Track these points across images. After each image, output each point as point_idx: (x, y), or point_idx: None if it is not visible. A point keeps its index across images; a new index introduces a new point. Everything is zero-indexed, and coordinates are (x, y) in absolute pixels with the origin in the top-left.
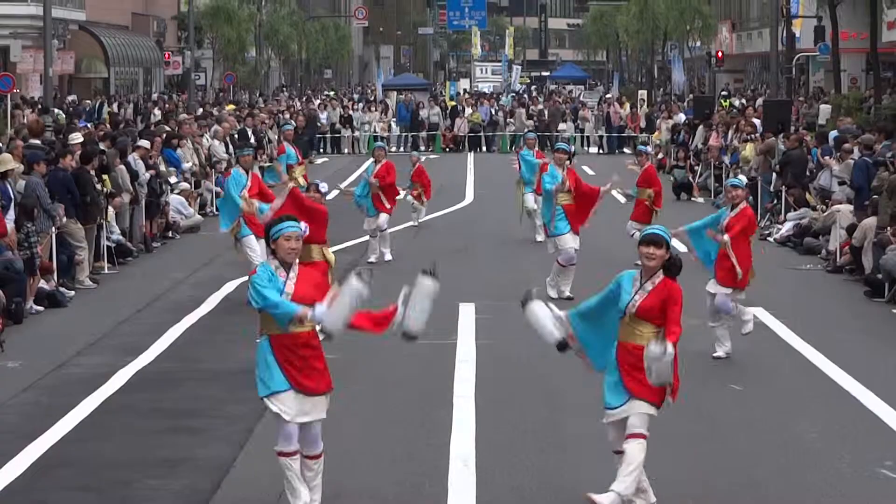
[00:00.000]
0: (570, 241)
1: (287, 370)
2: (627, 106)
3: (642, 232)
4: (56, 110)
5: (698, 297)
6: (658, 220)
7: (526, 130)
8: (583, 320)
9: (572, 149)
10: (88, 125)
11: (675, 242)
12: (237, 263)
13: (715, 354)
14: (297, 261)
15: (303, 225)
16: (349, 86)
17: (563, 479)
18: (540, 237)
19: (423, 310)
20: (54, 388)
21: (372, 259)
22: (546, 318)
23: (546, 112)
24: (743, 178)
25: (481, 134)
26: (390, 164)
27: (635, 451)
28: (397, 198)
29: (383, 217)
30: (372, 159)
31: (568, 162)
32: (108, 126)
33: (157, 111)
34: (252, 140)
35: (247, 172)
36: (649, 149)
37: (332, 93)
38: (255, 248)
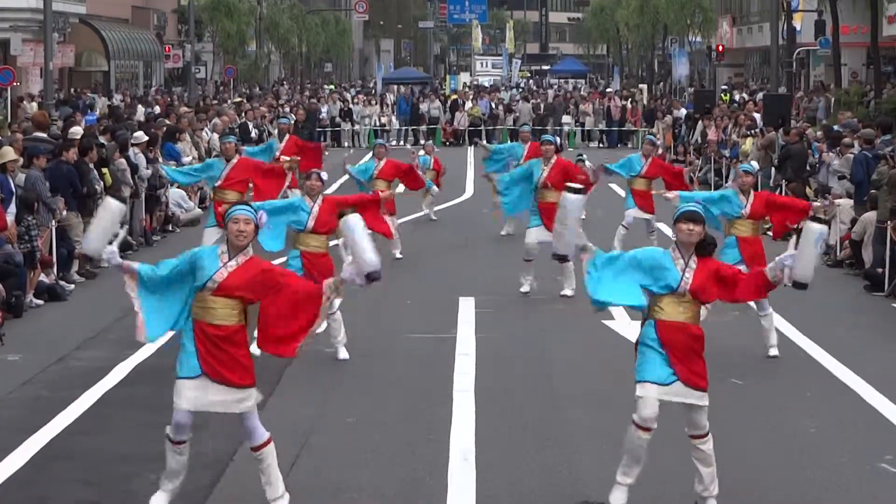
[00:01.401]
0: (530, 236)
1: (204, 358)
2: (628, 99)
3: (678, 209)
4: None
5: None
6: (657, 213)
7: (521, 125)
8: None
9: (558, 140)
10: (100, 118)
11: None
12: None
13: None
14: (251, 251)
15: (259, 213)
16: (349, 79)
17: (563, 473)
18: (505, 230)
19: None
20: (54, 382)
21: (398, 255)
22: (578, 221)
23: (543, 106)
24: (755, 164)
25: (481, 128)
26: (392, 162)
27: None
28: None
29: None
30: (373, 156)
31: (556, 155)
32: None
33: (157, 108)
34: (253, 134)
35: (227, 161)
36: (657, 140)
37: (331, 87)
38: (210, 239)
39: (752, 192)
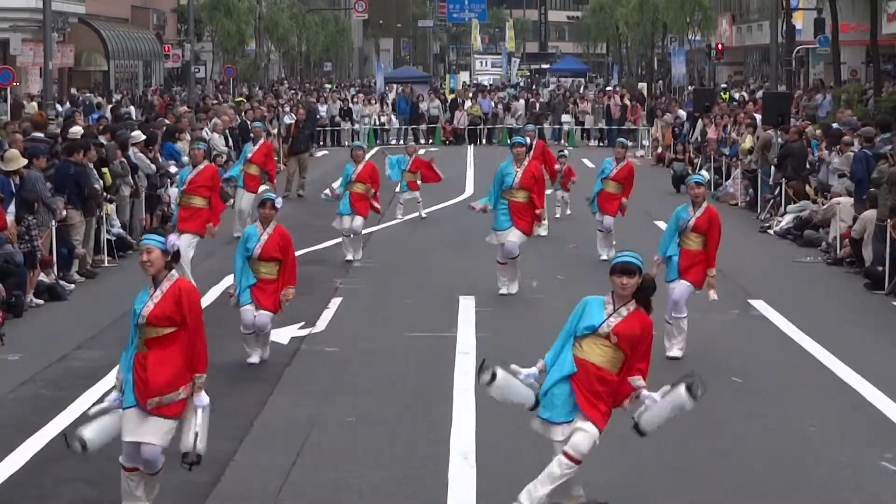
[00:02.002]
0: (507, 237)
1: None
2: (627, 97)
3: (612, 259)
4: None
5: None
6: (657, 212)
7: (525, 124)
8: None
9: (528, 140)
10: (101, 118)
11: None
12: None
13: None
14: (175, 274)
15: (169, 238)
16: (349, 78)
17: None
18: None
19: None
20: (54, 382)
21: (349, 257)
22: (515, 387)
23: (538, 104)
24: (705, 174)
25: (481, 126)
26: (371, 166)
27: (562, 467)
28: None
29: (358, 220)
30: (351, 160)
31: (527, 157)
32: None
33: (155, 102)
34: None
35: (194, 167)
36: (628, 142)
37: (330, 86)
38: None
39: (704, 204)
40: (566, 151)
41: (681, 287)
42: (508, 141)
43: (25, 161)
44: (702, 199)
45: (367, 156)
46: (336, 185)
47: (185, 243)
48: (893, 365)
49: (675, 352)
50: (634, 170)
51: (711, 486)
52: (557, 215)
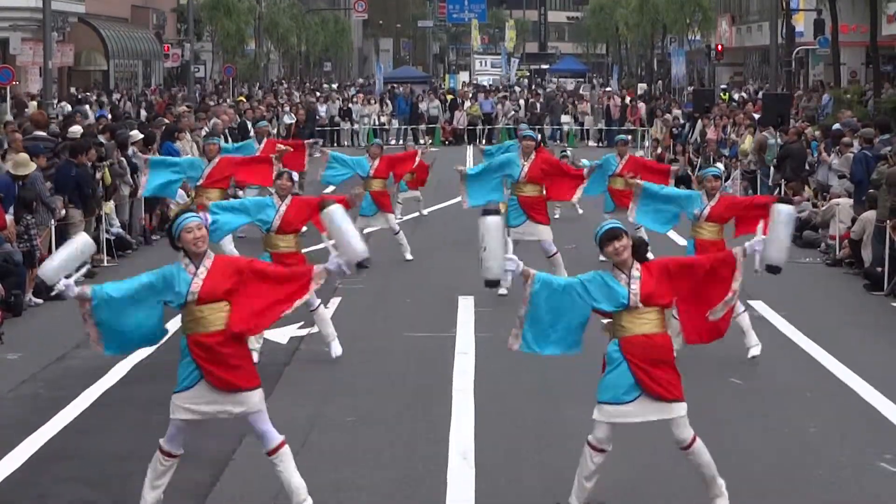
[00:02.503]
0: (537, 237)
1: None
2: (627, 98)
3: (598, 229)
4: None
5: None
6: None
7: (504, 126)
8: (547, 290)
9: (538, 136)
10: (106, 115)
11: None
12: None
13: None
14: (212, 253)
15: (204, 215)
16: (349, 78)
17: (562, 471)
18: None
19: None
20: (53, 381)
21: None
22: (500, 244)
23: (538, 105)
24: (721, 167)
25: (479, 127)
26: (387, 159)
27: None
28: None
29: (391, 217)
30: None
31: (535, 150)
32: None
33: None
34: (252, 133)
35: (209, 161)
36: (629, 137)
37: (329, 85)
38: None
39: (717, 195)
40: (568, 152)
41: None
42: (508, 141)
43: (34, 166)
44: (716, 192)
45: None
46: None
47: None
48: (893, 366)
49: (753, 351)
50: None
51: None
52: (557, 215)
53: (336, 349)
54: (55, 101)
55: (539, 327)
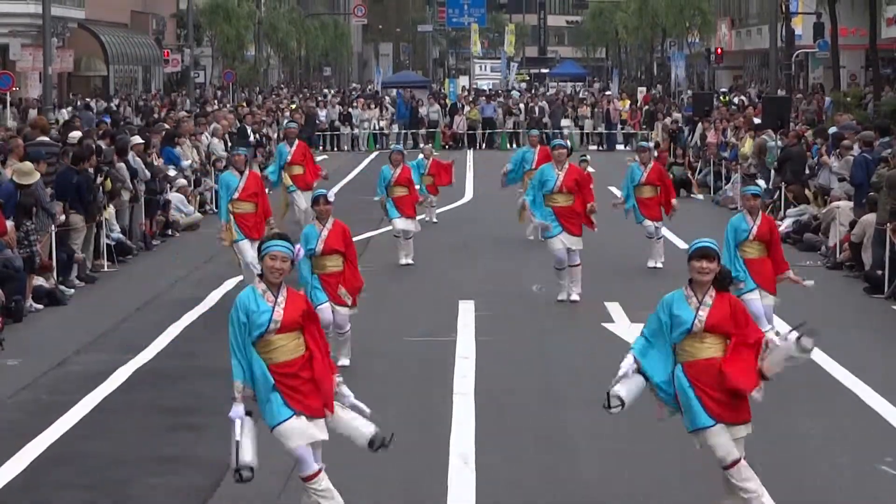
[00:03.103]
0: (556, 244)
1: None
2: (627, 102)
3: (692, 246)
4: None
5: None
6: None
7: (505, 131)
8: (644, 357)
9: (569, 144)
10: (107, 121)
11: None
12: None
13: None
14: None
15: (296, 247)
16: (349, 83)
17: (562, 475)
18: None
19: None
20: (54, 386)
21: (407, 261)
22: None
23: (537, 108)
24: (762, 184)
25: (478, 131)
26: (408, 169)
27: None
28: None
29: (408, 222)
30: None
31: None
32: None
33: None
34: (252, 139)
35: (241, 173)
36: (650, 144)
37: (330, 90)
38: (247, 252)
39: (760, 213)
40: (588, 157)
41: (756, 301)
42: (508, 146)
43: (38, 175)
44: (757, 209)
45: (369, 159)
46: (377, 197)
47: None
48: (893, 369)
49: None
50: (661, 167)
51: (711, 489)
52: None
53: (342, 361)
54: (55, 107)
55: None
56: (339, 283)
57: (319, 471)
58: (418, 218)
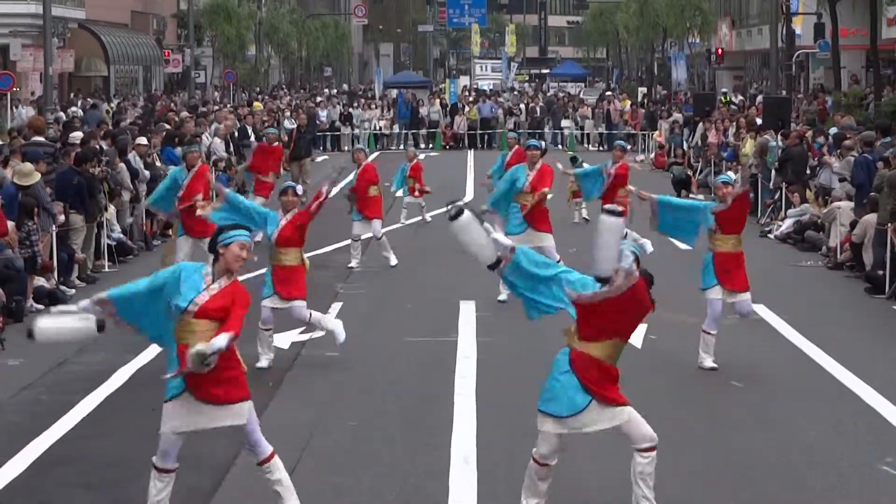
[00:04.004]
0: (540, 244)
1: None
2: (627, 102)
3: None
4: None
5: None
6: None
7: (506, 130)
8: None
9: (543, 144)
10: (101, 122)
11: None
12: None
13: (709, 365)
14: (235, 275)
15: (253, 234)
16: (349, 84)
17: (563, 475)
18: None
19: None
20: (55, 386)
21: (353, 264)
22: (480, 235)
23: (538, 109)
24: (731, 175)
25: (477, 131)
26: (370, 167)
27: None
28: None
29: (376, 223)
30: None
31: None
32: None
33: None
34: (252, 139)
35: (189, 170)
36: (628, 145)
37: (330, 90)
38: (183, 248)
39: (729, 200)
40: (581, 159)
41: (718, 303)
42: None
43: (39, 176)
44: (729, 199)
45: (369, 159)
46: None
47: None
48: (894, 369)
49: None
50: (628, 171)
51: (711, 490)
52: (577, 219)
53: (339, 337)
54: (60, 107)
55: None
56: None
57: (174, 470)
58: (409, 221)
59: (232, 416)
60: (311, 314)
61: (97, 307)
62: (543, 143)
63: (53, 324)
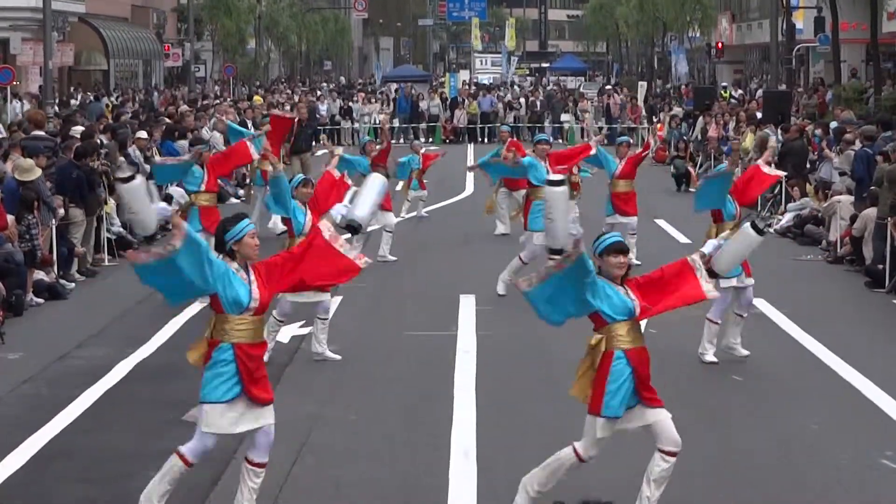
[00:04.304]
0: (536, 239)
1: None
2: (625, 90)
3: (603, 240)
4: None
5: None
6: (659, 210)
7: (500, 125)
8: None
9: (550, 139)
10: (101, 116)
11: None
12: None
13: (709, 359)
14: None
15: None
16: (349, 78)
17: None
18: (500, 230)
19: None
20: (55, 380)
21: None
22: (566, 213)
23: (538, 103)
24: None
25: (477, 125)
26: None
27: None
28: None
29: (390, 216)
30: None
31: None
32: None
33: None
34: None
35: (202, 167)
36: (632, 140)
37: (328, 85)
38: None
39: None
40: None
41: (726, 291)
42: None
43: (39, 171)
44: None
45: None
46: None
47: None
48: (893, 363)
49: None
50: (635, 167)
51: (712, 484)
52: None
53: (331, 356)
54: (55, 101)
55: (551, 293)
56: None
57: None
58: (411, 215)
59: (269, 415)
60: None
61: (175, 228)
62: (503, 139)
63: (142, 192)
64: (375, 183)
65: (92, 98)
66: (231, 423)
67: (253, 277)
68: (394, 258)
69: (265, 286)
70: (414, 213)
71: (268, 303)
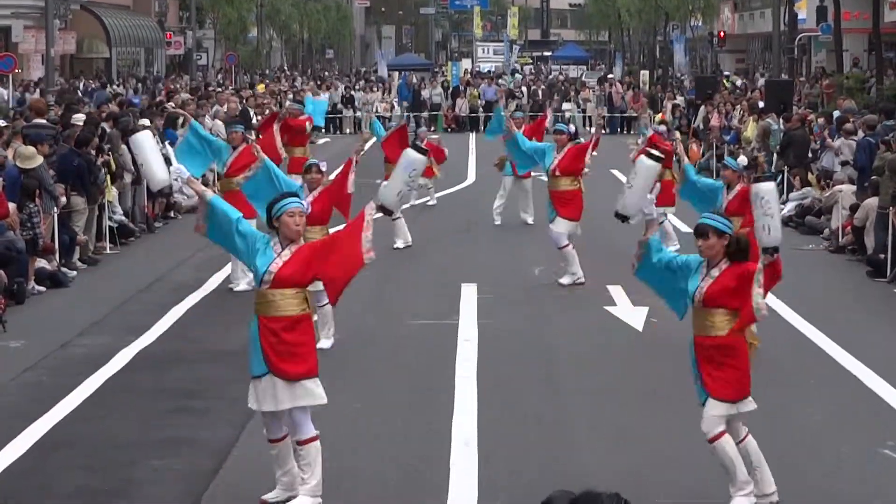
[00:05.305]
0: (555, 227)
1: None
2: (626, 79)
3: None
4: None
5: None
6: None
7: (513, 111)
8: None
9: (573, 129)
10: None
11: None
12: None
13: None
14: (301, 240)
15: (305, 202)
16: (351, 67)
17: (564, 458)
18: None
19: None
20: (56, 368)
21: (399, 244)
22: (648, 185)
23: (540, 91)
24: (743, 160)
25: (479, 114)
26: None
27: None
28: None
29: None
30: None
31: (569, 144)
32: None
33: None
34: (255, 121)
35: (234, 150)
36: (662, 127)
37: (331, 74)
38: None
39: (737, 187)
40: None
41: None
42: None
43: (41, 159)
44: (734, 182)
45: (371, 142)
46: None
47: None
48: (895, 352)
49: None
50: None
51: (712, 475)
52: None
53: (324, 343)
54: (56, 88)
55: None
56: None
57: (283, 438)
58: (419, 201)
59: (307, 395)
60: (327, 303)
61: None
62: (573, 126)
63: (148, 144)
64: (406, 161)
65: (98, 85)
66: (267, 401)
67: (287, 253)
68: (401, 246)
69: (296, 264)
70: (424, 200)
71: (289, 279)
